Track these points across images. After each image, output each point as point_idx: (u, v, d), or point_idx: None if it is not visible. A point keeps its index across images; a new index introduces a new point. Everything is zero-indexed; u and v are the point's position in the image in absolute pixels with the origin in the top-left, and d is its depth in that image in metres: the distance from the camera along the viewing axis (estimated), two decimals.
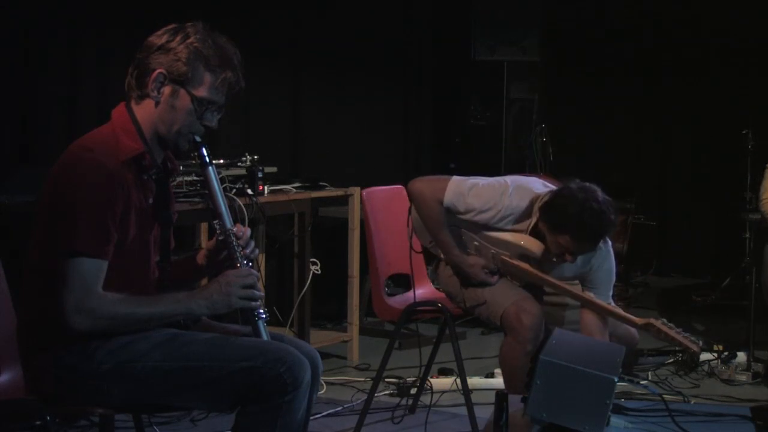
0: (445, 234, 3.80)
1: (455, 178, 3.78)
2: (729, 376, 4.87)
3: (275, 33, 5.86)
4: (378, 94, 6.60)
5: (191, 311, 2.60)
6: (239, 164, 4.64)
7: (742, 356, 5.01)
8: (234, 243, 2.68)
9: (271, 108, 5.77)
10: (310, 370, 2.59)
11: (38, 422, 2.53)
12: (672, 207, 7.86)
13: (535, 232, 3.71)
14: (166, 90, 2.61)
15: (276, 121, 5.93)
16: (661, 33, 7.60)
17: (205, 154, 2.68)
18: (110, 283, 2.53)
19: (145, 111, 2.63)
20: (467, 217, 3.74)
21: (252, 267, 2.70)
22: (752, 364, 4.97)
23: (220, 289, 2.61)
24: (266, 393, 2.52)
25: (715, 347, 5.07)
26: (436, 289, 4.03)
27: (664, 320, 3.63)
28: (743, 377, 4.86)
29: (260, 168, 4.62)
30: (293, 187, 5.01)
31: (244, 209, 4.47)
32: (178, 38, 2.61)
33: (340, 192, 5.26)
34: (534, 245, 3.70)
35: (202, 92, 2.61)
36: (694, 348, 3.60)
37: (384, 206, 4.21)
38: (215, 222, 2.71)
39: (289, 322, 5.18)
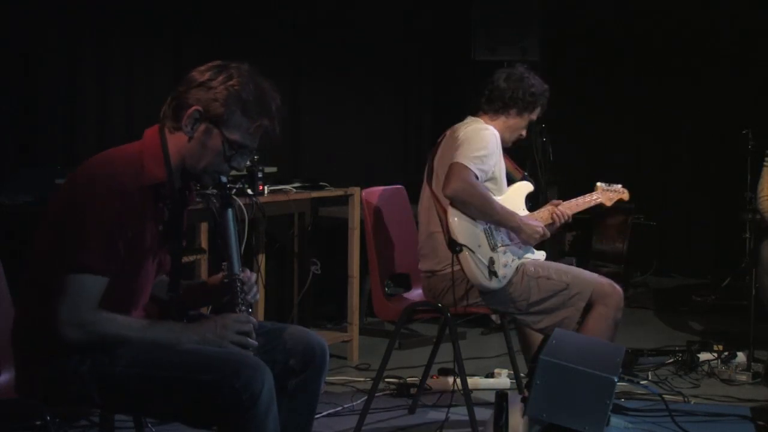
0: (499, 205, 3.87)
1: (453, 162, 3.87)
2: (729, 376, 4.86)
3: (275, 33, 5.86)
4: (378, 95, 6.60)
5: (180, 344, 2.60)
6: None
7: (742, 356, 5.01)
8: (238, 288, 2.71)
9: None
10: (269, 378, 2.52)
11: (38, 422, 2.53)
12: (672, 207, 7.86)
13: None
14: (201, 127, 2.61)
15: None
16: (661, 33, 7.59)
17: (228, 196, 2.71)
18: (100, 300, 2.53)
19: (176, 142, 2.63)
20: (492, 173, 3.90)
21: (251, 313, 2.72)
22: (752, 364, 4.96)
23: (215, 330, 2.63)
24: (225, 407, 2.48)
25: (715, 347, 5.07)
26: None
27: (603, 183, 4.15)
28: (743, 377, 4.85)
29: (260, 168, 4.62)
30: (293, 187, 5.01)
31: (244, 209, 4.46)
32: (221, 78, 2.61)
33: (340, 192, 5.25)
34: (524, 185, 4.05)
35: (235, 136, 2.61)
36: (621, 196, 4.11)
37: (384, 206, 4.20)
38: (223, 264, 2.73)
39: (289, 322, 5.18)
